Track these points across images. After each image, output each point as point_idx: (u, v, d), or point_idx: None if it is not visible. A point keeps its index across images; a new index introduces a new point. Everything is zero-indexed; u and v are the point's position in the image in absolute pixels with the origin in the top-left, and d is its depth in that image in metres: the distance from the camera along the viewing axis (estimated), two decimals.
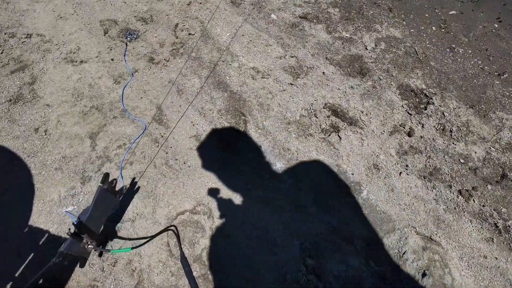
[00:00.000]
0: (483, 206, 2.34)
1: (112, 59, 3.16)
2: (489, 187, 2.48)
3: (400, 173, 2.51)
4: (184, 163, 2.52)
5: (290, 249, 2.14)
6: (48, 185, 2.37)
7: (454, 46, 3.61)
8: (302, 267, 2.06)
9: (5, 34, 3.34)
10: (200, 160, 2.52)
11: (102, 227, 1.91)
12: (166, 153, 2.57)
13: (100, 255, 1.90)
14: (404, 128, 2.82)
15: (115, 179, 1.96)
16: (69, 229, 1.66)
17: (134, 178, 2.39)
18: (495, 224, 2.26)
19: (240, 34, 3.46)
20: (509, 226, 2.24)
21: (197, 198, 2.34)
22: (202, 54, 3.25)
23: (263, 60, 3.23)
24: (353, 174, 2.48)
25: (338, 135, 2.68)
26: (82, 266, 1.76)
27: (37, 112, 2.75)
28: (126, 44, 3.31)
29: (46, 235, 2.13)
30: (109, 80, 3.01)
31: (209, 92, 2.97)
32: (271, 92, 2.98)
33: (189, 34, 3.44)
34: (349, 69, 3.26)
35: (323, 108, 2.90)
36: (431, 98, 3.07)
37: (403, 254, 2.13)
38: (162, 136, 2.66)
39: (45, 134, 2.62)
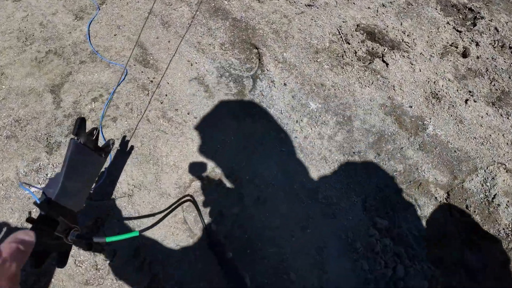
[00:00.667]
0: None
1: None
2: None
3: (466, 100, 1.96)
4: (188, 113, 1.85)
5: (352, 210, 1.58)
6: (0, 161, 1.66)
7: None
8: (373, 230, 1.52)
9: None
10: (210, 109, 1.86)
11: (83, 204, 1.23)
12: (161, 102, 1.88)
13: (89, 248, 1.21)
14: (457, 48, 2.24)
15: (96, 128, 1.25)
16: (29, 213, 0.98)
17: (124, 137, 1.71)
18: None
19: None
20: None
21: (214, 157, 1.70)
22: None
23: None
24: (411, 107, 1.91)
25: (383, 60, 2.06)
26: (61, 265, 1.08)
27: None
28: None
29: (4, 229, 1.46)
30: (67, 16, 2.20)
31: (205, 22, 2.24)
32: (286, 16, 2.29)
33: None
34: None
35: (355, 31, 2.25)
36: (478, 13, 2.48)
37: (493, 198, 1.63)
38: (152, 82, 1.95)
39: None
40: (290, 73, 2.04)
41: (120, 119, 1.80)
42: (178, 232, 1.49)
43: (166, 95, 1.92)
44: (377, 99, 1.94)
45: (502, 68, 2.16)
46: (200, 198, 1.57)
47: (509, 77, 2.12)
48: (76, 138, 1.14)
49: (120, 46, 2.09)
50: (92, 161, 1.25)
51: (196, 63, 2.06)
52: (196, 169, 1.66)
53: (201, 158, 1.70)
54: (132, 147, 1.70)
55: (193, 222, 1.52)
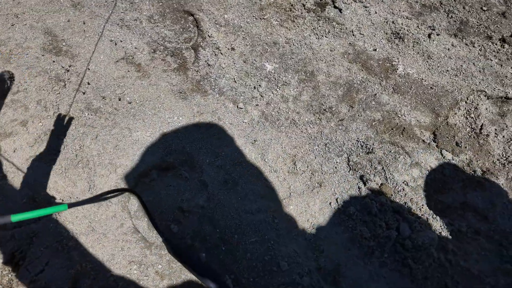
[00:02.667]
0: None
1: None
2: None
3: (429, 35, 1.78)
4: (120, 99, 1.48)
5: (336, 172, 1.32)
6: None
7: None
8: (365, 190, 1.27)
9: None
10: (147, 90, 1.51)
11: None
12: (83, 93, 1.49)
13: None
14: None
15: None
16: None
17: (39, 142, 1.31)
18: None
19: None
20: None
21: (162, 144, 1.36)
22: None
23: None
24: (375, 50, 1.69)
25: (335, 5, 1.82)
26: None
27: None
28: None
29: None
30: None
31: None
32: None
33: None
34: None
35: None
36: None
37: (481, 130, 1.46)
38: (68, 70, 1.55)
39: None
40: (236, 35, 1.74)
41: (31, 122, 1.39)
42: (129, 246, 1.13)
43: (89, 84, 1.53)
44: (338, 48, 1.69)
45: (454, 0, 2.01)
46: (150, 198, 1.22)
47: (463, 7, 1.98)
48: None
49: (21, 37, 1.66)
50: None
51: (121, 41, 1.68)
52: (140, 163, 1.30)
53: (144, 148, 1.34)
54: (53, 152, 1.30)
55: (146, 230, 1.17)
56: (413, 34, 1.79)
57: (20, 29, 1.70)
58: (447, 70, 1.64)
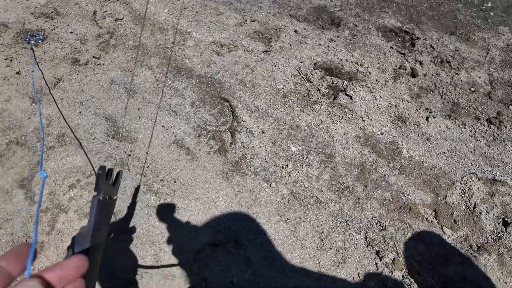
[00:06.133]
0: None
1: (17, 72, 2.18)
2: (511, 107, 2.22)
3: (427, 118, 2.10)
4: (175, 181, 1.77)
5: (357, 249, 1.59)
6: None
7: None
8: (381, 265, 1.53)
9: None
10: (196, 171, 1.80)
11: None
12: (144, 175, 1.78)
13: None
14: (405, 70, 2.42)
15: (117, 172, 1.08)
16: None
17: (114, 223, 1.59)
18: None
19: (180, 8, 2.69)
20: None
21: (212, 222, 1.64)
22: (143, 40, 2.43)
23: (222, 31, 2.53)
24: (382, 133, 2.00)
25: (346, 93, 2.16)
26: None
27: None
28: (32, 49, 2.33)
29: None
30: (23, 100, 2.04)
31: (170, 83, 2.20)
32: (248, 65, 2.33)
33: (116, 19, 2.57)
34: (319, 22, 2.75)
35: (314, 69, 2.34)
36: (413, 34, 2.72)
37: (474, 208, 1.74)
38: (130, 155, 1.85)
39: None
40: (265, 120, 2.05)
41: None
42: None
43: (148, 166, 1.83)
44: (350, 132, 2.01)
45: (446, 82, 2.35)
46: (206, 273, 1.49)
47: (454, 89, 2.31)
48: (97, 194, 1.01)
49: (87, 123, 1.98)
50: (112, 204, 1.12)
51: (171, 126, 2.00)
52: (195, 240, 1.57)
53: (198, 228, 1.62)
54: (127, 231, 1.58)
55: None
56: (413, 117, 2.11)
57: (86, 116, 2.02)
58: (444, 152, 1.95)
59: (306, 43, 2.52)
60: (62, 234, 1.57)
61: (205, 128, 2.01)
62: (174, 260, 1.52)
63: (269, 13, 2.76)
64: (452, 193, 1.78)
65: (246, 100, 2.14)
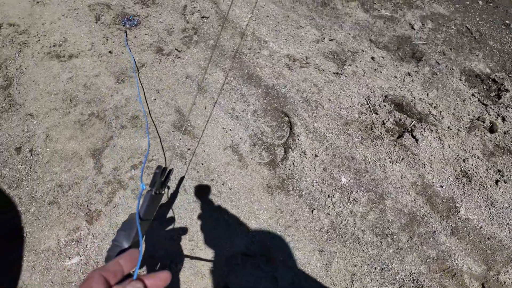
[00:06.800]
0: None
1: (110, 52, 2.42)
2: None
3: (497, 181, 1.93)
4: (223, 184, 1.85)
5: None
6: (42, 227, 1.67)
7: (508, 22, 3.03)
8: None
9: None
10: (244, 180, 1.87)
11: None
12: (197, 171, 1.89)
13: None
14: (484, 123, 2.23)
15: (169, 170, 1.23)
16: None
17: (163, 208, 1.72)
18: None
19: (264, 15, 2.77)
20: None
21: (249, 233, 1.69)
22: (222, 41, 2.55)
23: (297, 46, 2.56)
24: (442, 187, 1.88)
25: (412, 135, 2.06)
26: None
27: (17, 125, 2.01)
28: (126, 32, 2.57)
29: None
30: (109, 78, 2.27)
31: (238, 88, 2.29)
32: (316, 84, 2.33)
33: (202, 17, 2.72)
34: (399, 53, 2.64)
35: (383, 101, 2.27)
36: (502, 84, 2.49)
37: None
38: (189, 150, 1.97)
39: (31, 155, 1.89)
40: (321, 144, 2.05)
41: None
42: None
43: (202, 164, 1.93)
44: (408, 177, 1.92)
45: None
46: (233, 279, 1.55)
47: None
48: (151, 189, 1.13)
49: (159, 111, 2.14)
50: (160, 198, 1.24)
51: (230, 130, 2.08)
52: (230, 246, 1.64)
53: (236, 234, 1.68)
54: (166, 221, 1.70)
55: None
56: (480, 176, 1.96)
57: (159, 104, 2.19)
58: (508, 223, 1.78)
59: (381, 72, 2.45)
60: (117, 208, 1.74)
61: (261, 138, 2.06)
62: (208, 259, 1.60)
63: (349, 34, 2.72)
64: (507, 271, 1.63)
65: (306, 119, 2.15)
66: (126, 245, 1.01)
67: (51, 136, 1.98)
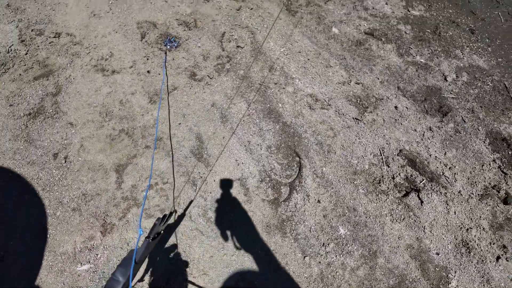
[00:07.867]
0: None
1: (148, 71, 2.64)
2: None
3: (498, 258, 1.88)
4: (227, 215, 1.98)
5: None
6: (63, 231, 1.90)
7: None
8: None
9: (32, 30, 2.87)
10: (246, 215, 1.99)
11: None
12: (205, 199, 2.04)
13: None
14: (499, 192, 2.17)
15: (166, 215, 1.47)
16: None
17: (165, 229, 1.89)
18: None
19: (296, 50, 2.85)
20: None
21: (240, 268, 1.81)
22: (252, 72, 2.68)
23: (322, 86, 2.62)
24: (438, 254, 1.88)
25: (418, 196, 2.06)
26: None
27: (58, 132, 2.28)
28: (166, 53, 2.78)
29: None
30: (143, 98, 2.49)
31: (258, 122, 2.40)
32: (333, 128, 2.38)
33: (238, 46, 2.86)
34: (425, 105, 2.61)
35: (397, 155, 2.28)
36: None
37: None
38: (201, 177, 2.12)
39: (65, 162, 2.14)
40: (326, 190, 2.11)
41: (166, 212, 1.99)
42: None
43: (210, 193, 2.08)
44: (405, 238, 1.94)
45: None
46: None
47: None
48: (148, 237, 1.33)
49: (181, 135, 2.31)
50: (157, 238, 1.45)
51: (242, 163, 2.21)
52: (222, 279, 1.77)
53: (227, 268, 1.81)
54: (174, 247, 1.86)
55: None
56: (481, 250, 1.92)
57: (182, 129, 2.36)
58: None
59: (401, 124, 2.45)
60: (129, 225, 1.93)
61: (270, 175, 2.16)
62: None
63: (378, 78, 2.73)
64: None
65: (316, 162, 2.22)
66: (122, 280, 1.18)
67: (84, 147, 2.22)
